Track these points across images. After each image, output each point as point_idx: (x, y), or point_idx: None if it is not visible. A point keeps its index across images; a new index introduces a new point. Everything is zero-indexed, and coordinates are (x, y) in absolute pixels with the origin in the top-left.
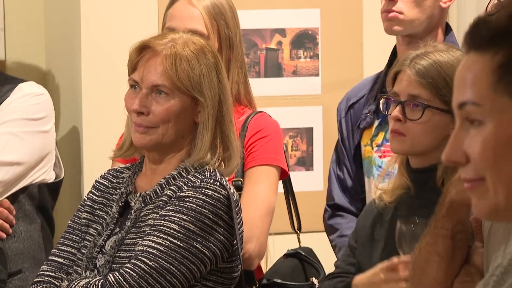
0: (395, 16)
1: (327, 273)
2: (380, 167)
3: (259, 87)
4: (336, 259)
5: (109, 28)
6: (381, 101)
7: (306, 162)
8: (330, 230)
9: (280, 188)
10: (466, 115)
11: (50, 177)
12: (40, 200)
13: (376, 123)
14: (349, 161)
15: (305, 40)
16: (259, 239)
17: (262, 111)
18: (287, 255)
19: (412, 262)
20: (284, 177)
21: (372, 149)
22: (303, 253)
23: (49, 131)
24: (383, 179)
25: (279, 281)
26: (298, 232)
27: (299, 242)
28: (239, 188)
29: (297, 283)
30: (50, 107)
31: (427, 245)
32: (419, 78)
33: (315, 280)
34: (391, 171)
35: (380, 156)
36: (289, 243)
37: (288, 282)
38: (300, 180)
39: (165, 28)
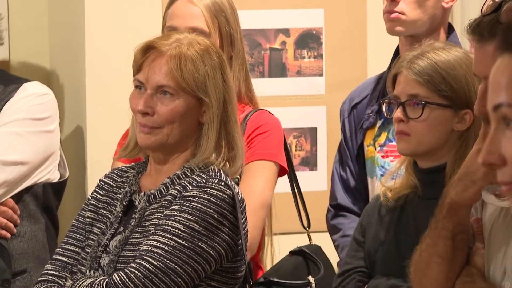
0: (397, 17)
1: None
2: (383, 167)
3: (263, 87)
4: (339, 259)
5: (113, 28)
6: (384, 106)
7: (310, 162)
8: (333, 230)
9: (287, 188)
10: (501, 117)
11: (55, 177)
12: (44, 200)
13: (379, 123)
14: (352, 161)
15: (309, 40)
16: (250, 233)
17: (262, 109)
18: (292, 253)
19: (413, 264)
20: (283, 174)
21: (375, 149)
22: (307, 251)
23: (54, 131)
24: (388, 180)
25: (275, 279)
26: (308, 229)
27: (310, 239)
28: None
29: (293, 282)
30: (54, 107)
31: (428, 246)
32: (416, 77)
33: (311, 279)
34: (399, 173)
35: (383, 156)
36: (298, 243)
37: (284, 281)
38: (304, 180)
39: (166, 27)
